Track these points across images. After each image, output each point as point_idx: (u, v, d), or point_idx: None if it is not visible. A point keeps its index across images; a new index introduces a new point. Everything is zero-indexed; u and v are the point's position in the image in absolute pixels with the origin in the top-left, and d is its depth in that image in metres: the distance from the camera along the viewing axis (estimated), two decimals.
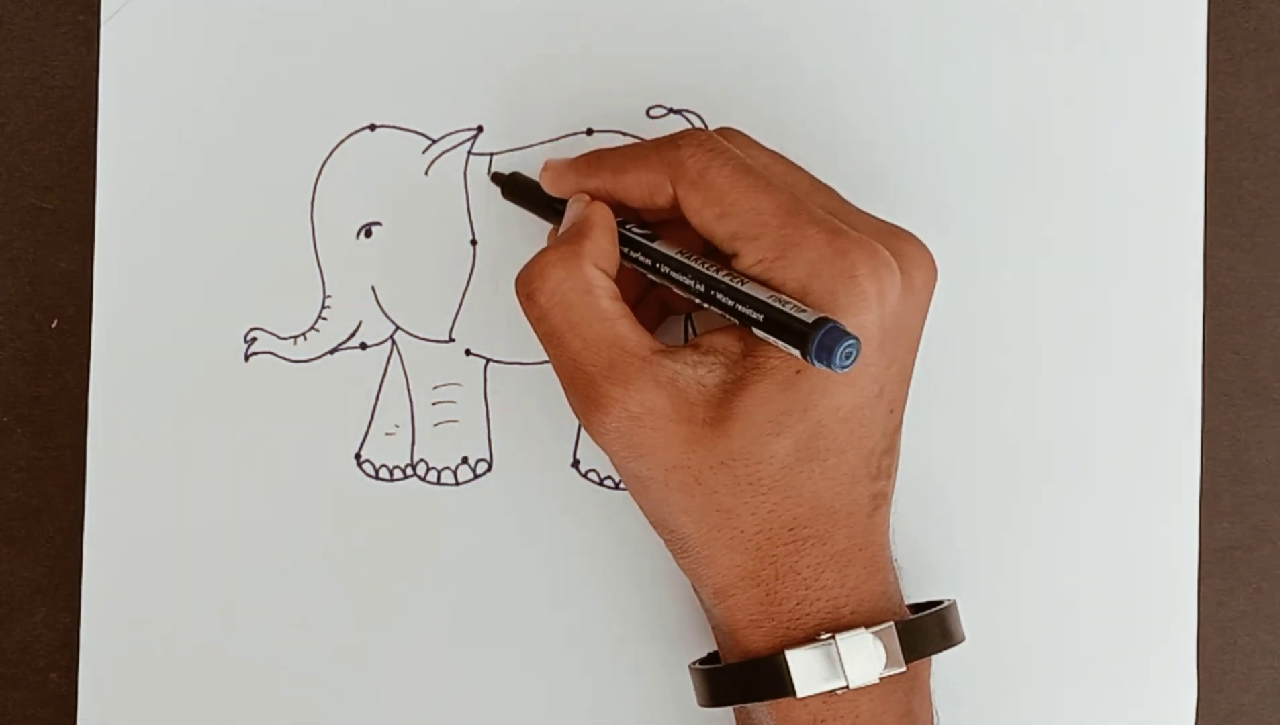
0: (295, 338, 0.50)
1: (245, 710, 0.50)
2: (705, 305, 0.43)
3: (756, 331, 0.41)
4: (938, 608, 0.44)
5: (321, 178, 0.50)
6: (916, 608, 0.45)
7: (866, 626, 0.42)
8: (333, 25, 0.50)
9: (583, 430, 0.49)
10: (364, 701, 0.50)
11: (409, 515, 0.50)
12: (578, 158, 0.46)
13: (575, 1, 0.50)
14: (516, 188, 0.48)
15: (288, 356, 0.50)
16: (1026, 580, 0.49)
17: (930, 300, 0.44)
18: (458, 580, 0.50)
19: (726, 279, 0.42)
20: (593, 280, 0.43)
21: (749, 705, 0.44)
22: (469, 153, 0.50)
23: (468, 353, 0.50)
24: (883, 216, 0.45)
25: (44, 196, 0.51)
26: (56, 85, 0.51)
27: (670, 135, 0.44)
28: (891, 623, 0.42)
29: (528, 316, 0.43)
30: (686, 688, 0.48)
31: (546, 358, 0.49)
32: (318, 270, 0.50)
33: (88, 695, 0.50)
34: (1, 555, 0.51)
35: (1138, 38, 0.49)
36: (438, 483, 0.50)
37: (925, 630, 0.43)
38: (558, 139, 0.50)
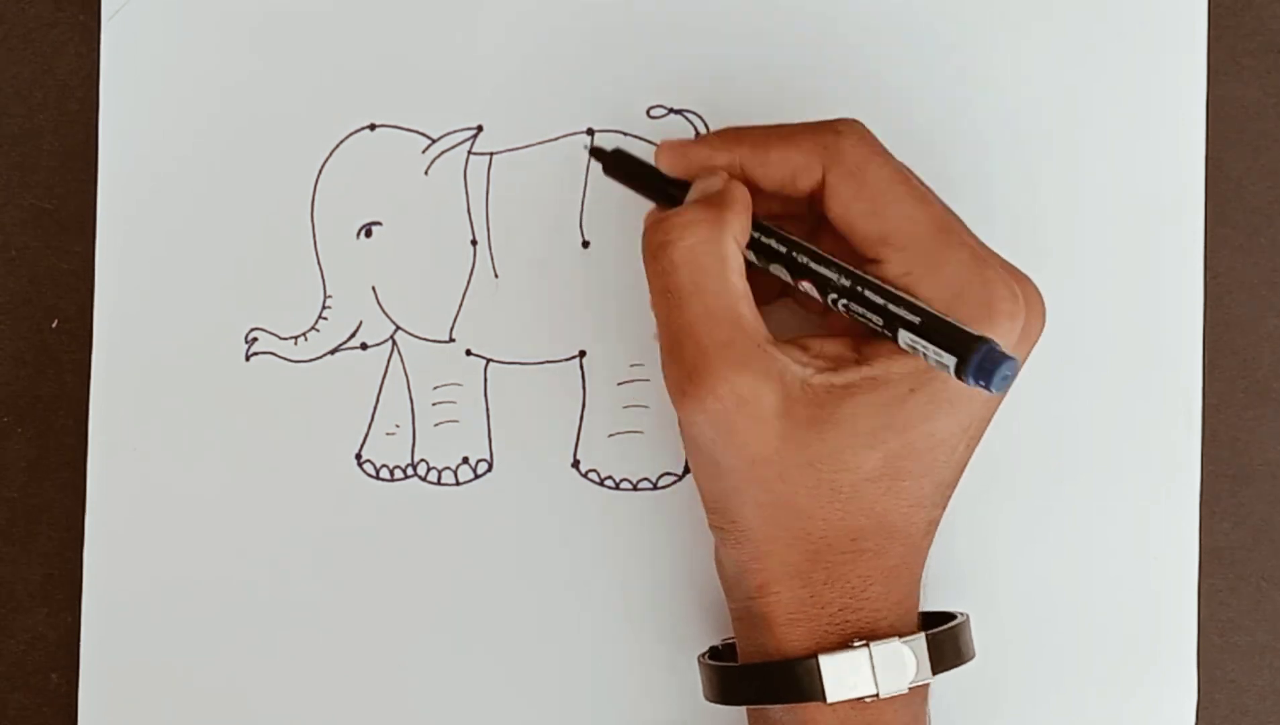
0: (296, 338, 0.50)
1: (245, 710, 0.50)
2: (840, 304, 0.42)
3: (904, 336, 0.40)
4: (958, 622, 0.44)
5: (321, 178, 0.50)
6: (923, 617, 0.45)
7: (898, 637, 0.42)
8: (333, 25, 0.50)
9: (581, 439, 0.49)
10: (364, 701, 0.50)
11: (409, 515, 0.50)
12: (710, 134, 0.44)
13: (575, 2, 0.50)
14: (623, 166, 0.46)
15: (288, 356, 0.50)
16: (1026, 580, 0.49)
17: (1032, 350, 0.43)
18: (458, 580, 0.50)
19: (876, 278, 0.41)
20: (729, 252, 0.42)
21: (767, 707, 0.43)
22: (469, 152, 0.50)
23: (468, 353, 0.50)
24: None
25: (44, 196, 0.51)
26: (56, 85, 0.51)
27: (826, 121, 0.43)
28: (922, 635, 0.42)
29: (651, 267, 0.42)
30: (690, 685, 0.48)
31: (546, 358, 0.49)
32: (318, 270, 0.50)
33: (88, 695, 0.50)
34: (1, 555, 0.51)
35: (1138, 38, 0.49)
36: (438, 483, 0.50)
37: (950, 644, 0.43)
38: (558, 139, 0.50)
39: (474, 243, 0.50)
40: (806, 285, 0.43)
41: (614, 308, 0.49)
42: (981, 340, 0.39)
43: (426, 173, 0.50)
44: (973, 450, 0.44)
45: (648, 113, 0.50)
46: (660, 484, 0.49)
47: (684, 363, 0.41)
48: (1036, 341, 0.43)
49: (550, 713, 0.49)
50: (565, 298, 0.50)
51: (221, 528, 0.50)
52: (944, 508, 0.44)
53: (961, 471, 0.44)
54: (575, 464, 0.50)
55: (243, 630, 0.50)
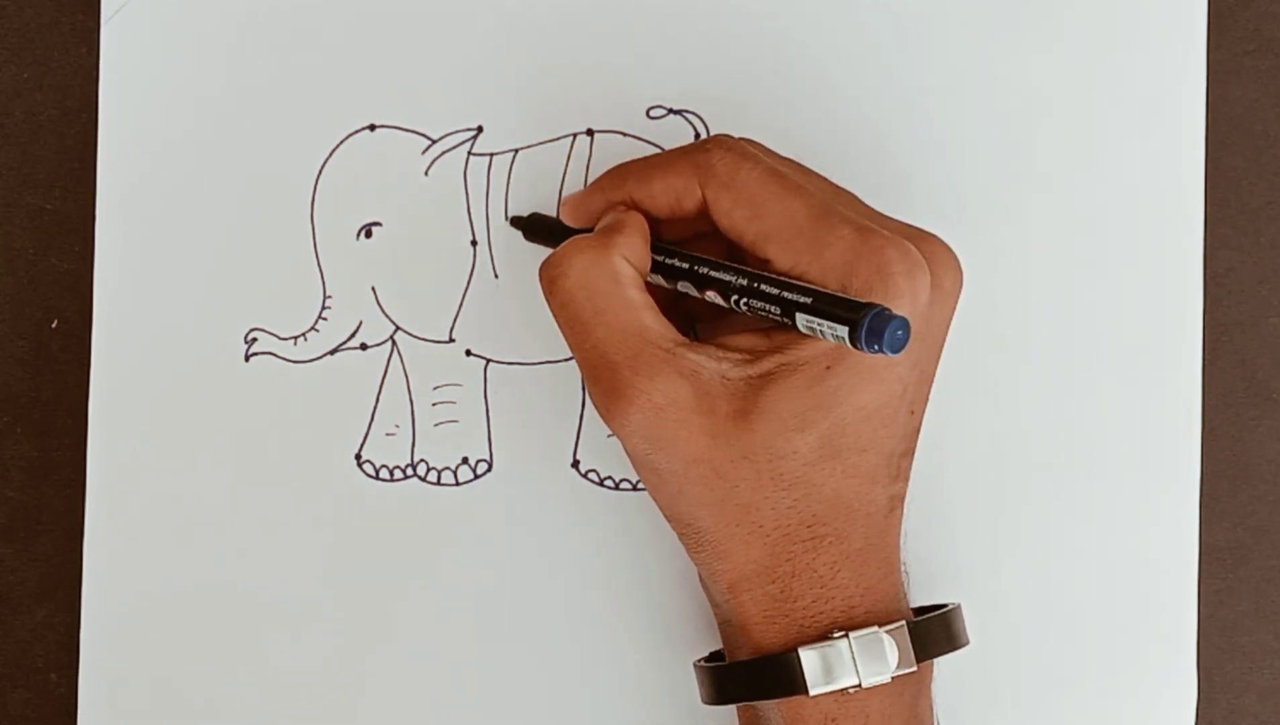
0: (295, 338, 0.50)
1: (245, 710, 0.50)
2: (743, 304, 0.42)
3: (801, 318, 0.41)
4: (946, 609, 0.44)
5: (321, 178, 0.50)
6: (919, 611, 0.45)
7: (879, 626, 0.42)
8: (333, 25, 0.50)
9: (581, 439, 0.49)
10: (364, 701, 0.50)
11: (409, 515, 0.50)
12: (598, 178, 0.46)
13: (576, 2, 0.50)
14: (539, 228, 0.48)
15: (288, 357, 0.50)
16: (1026, 580, 0.49)
17: (956, 304, 0.44)
18: (458, 580, 0.50)
19: (768, 272, 0.42)
20: (619, 269, 0.43)
21: (757, 704, 0.44)
22: (469, 153, 0.50)
23: (468, 353, 0.50)
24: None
25: (44, 196, 0.51)
26: (56, 85, 0.51)
27: (697, 141, 0.44)
28: (903, 622, 0.42)
29: (550, 303, 0.43)
30: (687, 686, 0.48)
31: (546, 358, 0.49)
32: (318, 270, 0.50)
33: (88, 695, 0.50)
34: (1, 555, 0.51)
35: (1138, 38, 0.49)
36: (438, 483, 0.50)
37: (935, 631, 0.43)
38: (558, 139, 0.50)
39: (474, 243, 0.50)
40: (712, 294, 0.43)
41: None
42: (867, 306, 0.39)
43: (426, 173, 0.50)
44: (919, 416, 0.44)
45: (648, 113, 0.50)
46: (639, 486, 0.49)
47: (601, 383, 0.42)
48: (957, 295, 0.44)
49: (550, 712, 0.49)
50: None
51: (221, 528, 0.50)
52: (904, 481, 0.44)
53: (913, 440, 0.44)
54: (575, 464, 0.50)
55: (243, 630, 0.50)
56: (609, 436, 0.49)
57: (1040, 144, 0.49)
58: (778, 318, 0.42)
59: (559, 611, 0.49)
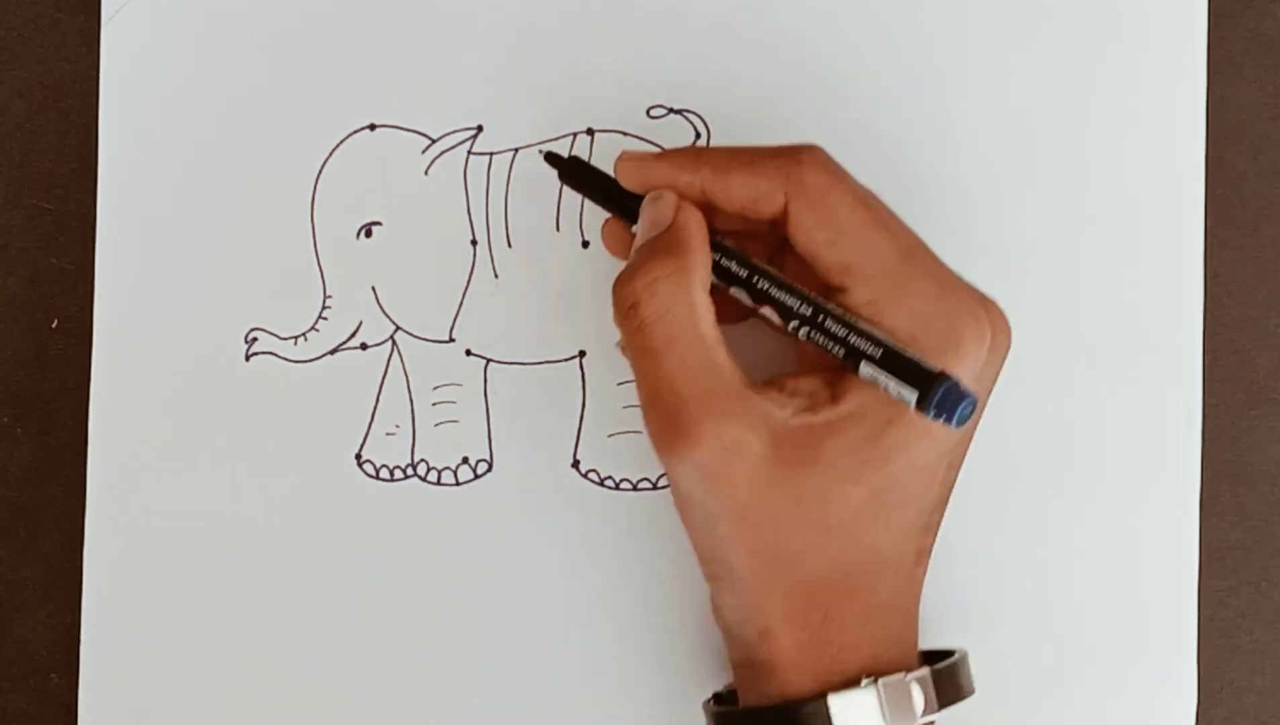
0: (296, 338, 0.50)
1: (245, 710, 0.50)
2: (802, 332, 0.42)
3: (865, 368, 0.40)
4: (958, 657, 0.44)
5: (321, 178, 0.50)
6: (925, 655, 0.45)
7: (904, 673, 0.42)
8: (333, 25, 0.50)
9: (581, 439, 0.49)
10: (364, 701, 0.50)
11: (409, 515, 0.50)
12: (670, 151, 0.44)
13: (575, 2, 0.50)
14: (579, 175, 0.46)
15: (288, 356, 0.50)
16: (1027, 580, 0.49)
17: (1000, 370, 0.44)
18: (458, 580, 0.50)
19: (838, 308, 0.41)
20: (697, 300, 0.42)
21: None
22: (469, 153, 0.50)
23: (468, 353, 0.50)
24: None
25: (44, 196, 0.51)
26: (56, 85, 0.51)
27: (789, 147, 0.43)
28: (928, 670, 0.42)
29: (623, 327, 0.42)
30: (686, 686, 0.48)
31: (546, 358, 0.49)
32: (318, 270, 0.50)
33: (88, 695, 0.50)
34: (1, 555, 0.51)
35: (1138, 38, 0.49)
36: (438, 483, 0.50)
37: (952, 678, 0.43)
38: (558, 138, 0.50)
39: (474, 243, 0.50)
40: (768, 310, 0.43)
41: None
42: (942, 376, 0.39)
43: (426, 173, 0.50)
44: (956, 473, 0.44)
45: (648, 113, 0.50)
46: (660, 484, 0.49)
47: (665, 415, 0.41)
48: (1004, 362, 0.44)
49: (550, 712, 0.49)
50: (565, 298, 0.50)
51: (221, 528, 0.50)
52: (933, 535, 0.44)
53: (947, 495, 0.44)
54: (575, 464, 0.50)
55: (242, 630, 0.50)
56: (609, 436, 0.49)
57: (1040, 144, 0.49)
58: (837, 357, 0.41)
59: (559, 611, 0.49)
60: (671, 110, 0.50)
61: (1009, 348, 0.44)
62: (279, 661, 0.50)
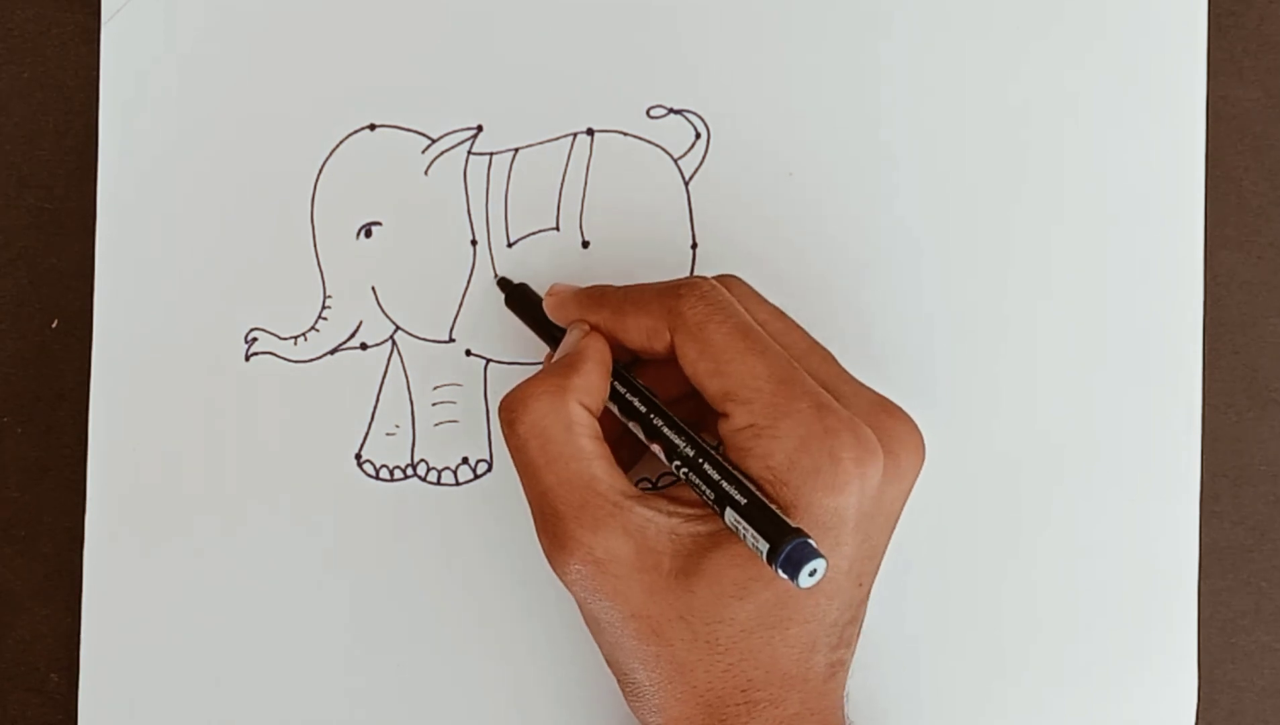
0: (296, 338, 0.50)
1: (245, 710, 0.50)
2: (682, 472, 0.42)
3: (729, 515, 0.41)
4: None
5: (321, 178, 0.50)
6: None
7: None
8: (333, 25, 0.50)
9: None
10: (364, 701, 0.50)
11: (409, 515, 0.50)
12: (583, 290, 0.46)
13: (576, 2, 0.50)
14: (520, 300, 0.48)
15: (288, 356, 0.50)
16: (1027, 580, 0.49)
17: (914, 483, 0.44)
18: (458, 580, 0.50)
19: (719, 454, 0.42)
20: (574, 417, 0.43)
21: None
22: (469, 152, 0.50)
23: (468, 353, 0.50)
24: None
25: (44, 196, 0.51)
26: (56, 85, 0.51)
27: (674, 282, 0.44)
28: None
29: (507, 443, 0.43)
30: None
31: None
32: (318, 270, 0.50)
33: (88, 695, 0.50)
34: (1, 555, 0.51)
35: (1138, 38, 0.49)
36: (438, 483, 0.50)
37: None
38: (558, 138, 0.50)
39: (474, 242, 0.50)
40: (656, 447, 0.43)
41: None
42: (794, 533, 0.39)
43: (426, 173, 0.50)
44: (868, 587, 0.44)
45: (648, 113, 0.50)
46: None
47: (547, 530, 0.43)
48: (915, 475, 0.43)
49: (549, 711, 0.49)
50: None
51: (221, 528, 0.50)
52: (848, 648, 0.44)
53: (861, 609, 0.44)
54: None
55: (242, 630, 0.50)
56: None
57: (1040, 144, 0.49)
58: (708, 499, 0.42)
59: (559, 611, 0.49)
60: (671, 110, 0.50)
61: (920, 464, 0.43)
62: (278, 661, 0.50)
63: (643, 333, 0.44)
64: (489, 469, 0.50)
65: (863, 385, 0.44)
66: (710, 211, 0.49)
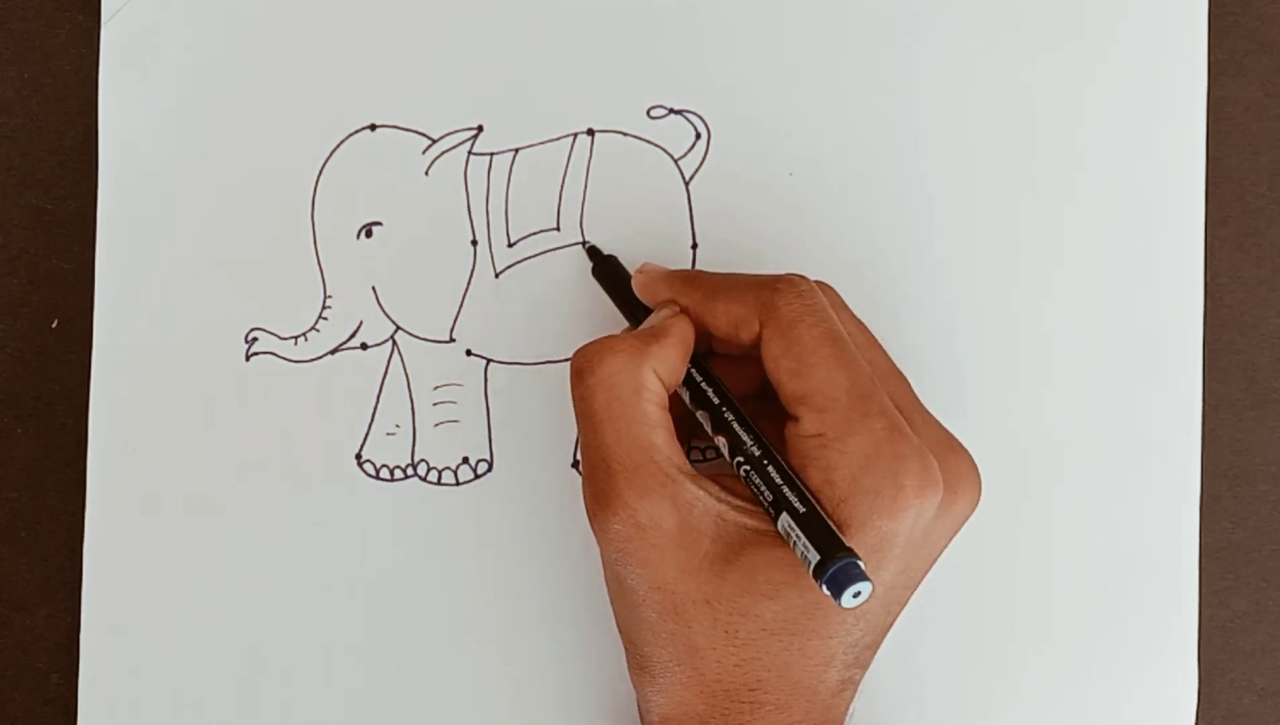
0: (296, 338, 0.50)
1: (245, 710, 0.50)
2: (742, 469, 0.42)
3: (784, 520, 0.41)
4: None
5: (321, 178, 0.50)
6: None
7: None
8: (333, 25, 0.50)
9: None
10: (364, 701, 0.50)
11: (409, 515, 0.50)
12: (675, 272, 0.46)
13: (576, 2, 0.50)
14: (609, 273, 0.48)
15: (288, 356, 0.50)
16: (1027, 580, 0.49)
17: (962, 526, 0.43)
18: (458, 580, 0.50)
19: (785, 461, 0.42)
20: (646, 382, 0.42)
21: None
22: (469, 153, 0.50)
23: (468, 353, 0.50)
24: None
25: (44, 196, 0.51)
26: (56, 85, 0.51)
27: (771, 276, 0.43)
28: None
29: (572, 392, 0.43)
30: None
31: (546, 358, 0.50)
32: (318, 270, 0.50)
33: (88, 695, 0.50)
34: (1, 555, 0.51)
35: (1138, 38, 0.49)
36: (438, 483, 0.50)
37: None
38: (558, 138, 0.50)
39: (474, 242, 0.50)
40: (720, 440, 0.43)
41: (614, 308, 0.49)
42: (848, 553, 0.39)
43: (427, 173, 0.50)
44: (895, 616, 0.44)
45: (648, 113, 0.50)
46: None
47: (595, 485, 0.42)
48: (966, 517, 0.43)
49: (549, 711, 0.49)
50: (565, 298, 0.50)
51: (221, 528, 0.50)
52: (862, 668, 0.44)
53: (882, 634, 0.44)
54: (575, 464, 0.50)
55: (242, 630, 0.50)
56: None
57: (1040, 144, 0.49)
58: (764, 501, 0.42)
59: (559, 611, 0.49)
60: (671, 110, 0.50)
61: (973, 509, 0.43)
62: (279, 661, 0.50)
63: (731, 321, 0.43)
64: (489, 469, 0.50)
65: (933, 417, 0.44)
66: (710, 211, 0.49)
